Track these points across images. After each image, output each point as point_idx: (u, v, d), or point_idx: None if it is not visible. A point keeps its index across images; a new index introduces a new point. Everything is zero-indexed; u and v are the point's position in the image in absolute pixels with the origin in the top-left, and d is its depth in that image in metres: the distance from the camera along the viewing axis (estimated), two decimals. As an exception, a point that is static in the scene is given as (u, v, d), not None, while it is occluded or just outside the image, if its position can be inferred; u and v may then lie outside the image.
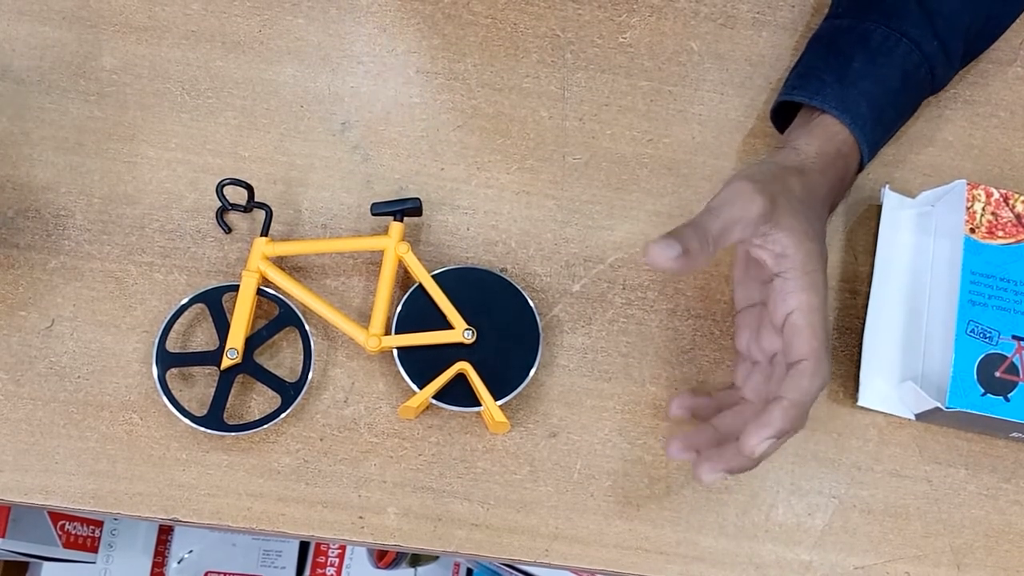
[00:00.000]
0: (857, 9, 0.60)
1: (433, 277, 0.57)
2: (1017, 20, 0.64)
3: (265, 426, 0.55)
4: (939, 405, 0.54)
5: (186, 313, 0.57)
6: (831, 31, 0.60)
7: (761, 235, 0.50)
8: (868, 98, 0.57)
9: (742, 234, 0.49)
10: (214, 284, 0.58)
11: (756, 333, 0.53)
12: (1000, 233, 0.57)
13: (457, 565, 1.08)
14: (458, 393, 0.56)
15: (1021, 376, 0.55)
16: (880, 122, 0.57)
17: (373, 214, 0.58)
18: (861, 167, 0.59)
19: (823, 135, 0.56)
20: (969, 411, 0.54)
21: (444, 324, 0.57)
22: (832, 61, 0.58)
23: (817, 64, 0.59)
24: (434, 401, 0.56)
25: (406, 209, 0.58)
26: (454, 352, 0.56)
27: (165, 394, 0.55)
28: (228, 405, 0.55)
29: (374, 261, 0.60)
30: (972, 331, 0.55)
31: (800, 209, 0.51)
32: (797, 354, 0.49)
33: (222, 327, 0.57)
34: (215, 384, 0.56)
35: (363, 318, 0.58)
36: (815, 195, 0.53)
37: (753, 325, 0.54)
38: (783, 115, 0.60)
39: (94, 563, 1.04)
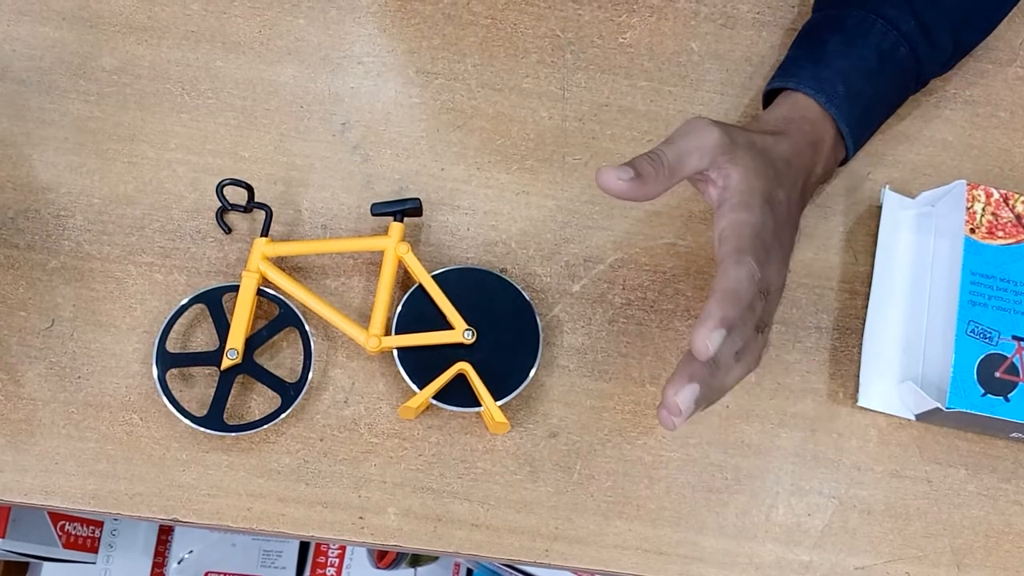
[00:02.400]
0: (835, 0, 0.60)
1: (433, 277, 0.57)
2: (1018, 21, 0.64)
3: (265, 426, 0.55)
4: (939, 405, 0.54)
5: (186, 313, 0.57)
6: (810, 24, 0.61)
7: (716, 168, 0.50)
8: (843, 78, 0.57)
9: (699, 163, 0.50)
10: (214, 284, 0.58)
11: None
12: (1000, 233, 0.57)
13: (457, 565, 1.08)
14: (458, 393, 0.56)
15: (1021, 376, 0.55)
16: (857, 100, 0.57)
17: (373, 214, 0.58)
18: (847, 150, 0.58)
19: (787, 106, 0.57)
20: (969, 411, 0.54)
21: (444, 324, 0.57)
22: (808, 48, 0.59)
23: (795, 53, 0.60)
24: (434, 401, 0.56)
25: (406, 209, 0.58)
26: (454, 352, 0.56)
27: (165, 394, 0.55)
28: (228, 405, 0.55)
29: (374, 261, 0.60)
30: (972, 331, 0.55)
31: (756, 154, 0.52)
32: (721, 255, 0.48)
33: (222, 327, 0.57)
34: (215, 384, 0.56)
35: (363, 318, 0.58)
36: (777, 151, 0.53)
37: None
38: None
39: (94, 563, 1.04)
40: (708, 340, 0.45)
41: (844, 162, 0.60)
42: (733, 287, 0.47)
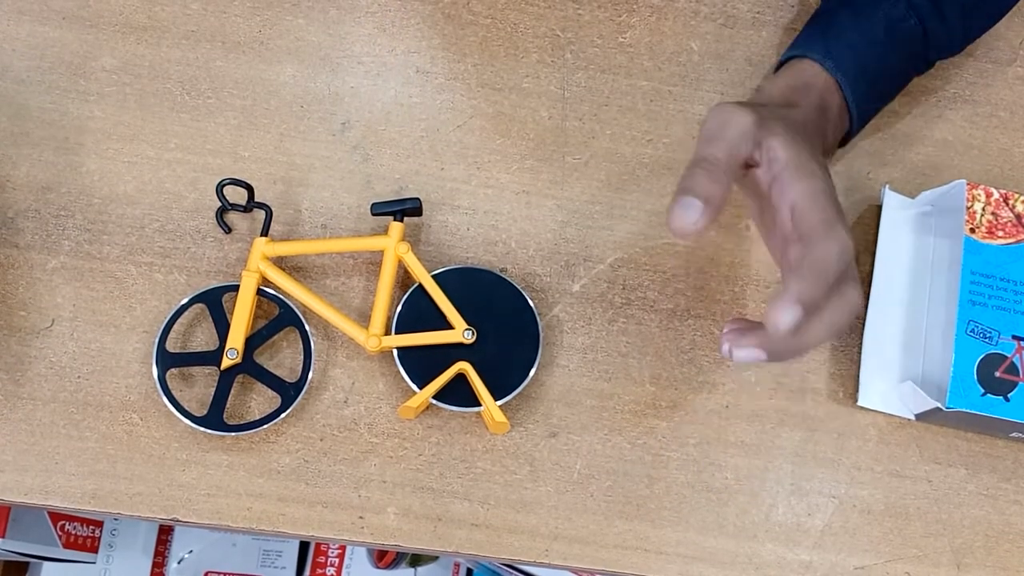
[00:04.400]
0: None
1: (433, 277, 0.57)
2: (1018, 21, 0.64)
3: (265, 426, 0.55)
4: (939, 405, 0.54)
5: (186, 313, 0.57)
6: (821, 7, 0.61)
7: (757, 146, 0.48)
8: (851, 47, 0.56)
9: (747, 148, 0.47)
10: (214, 284, 0.58)
11: (787, 256, 0.50)
12: (1000, 233, 0.57)
13: (457, 565, 1.08)
14: (458, 393, 0.56)
15: (1021, 376, 0.55)
16: (864, 71, 0.57)
17: (373, 214, 0.58)
18: (851, 122, 0.57)
19: (791, 72, 0.56)
20: (969, 411, 0.54)
21: (444, 324, 0.57)
22: (818, 23, 0.59)
23: (805, 30, 0.60)
24: (434, 401, 0.56)
25: (406, 209, 0.58)
26: (454, 352, 0.56)
27: (165, 394, 0.55)
28: (228, 405, 0.55)
29: (374, 261, 0.60)
30: (972, 331, 0.55)
31: (785, 120, 0.50)
32: (806, 229, 0.45)
33: (222, 327, 0.57)
34: (215, 384, 0.56)
35: (363, 318, 0.58)
36: (792, 119, 0.52)
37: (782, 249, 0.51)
38: None
39: (94, 563, 1.04)
40: (782, 317, 0.43)
41: (846, 140, 0.60)
42: (822, 261, 0.44)
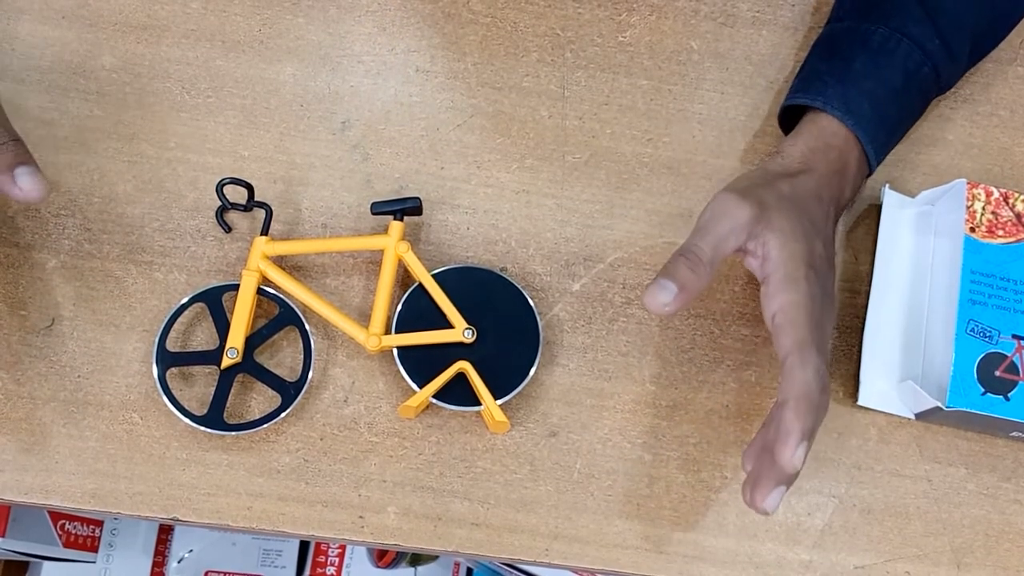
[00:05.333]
0: (858, 12, 0.60)
1: (433, 276, 0.57)
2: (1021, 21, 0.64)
3: (265, 426, 0.55)
4: (939, 404, 0.54)
5: (186, 312, 0.57)
6: (832, 34, 0.60)
7: (753, 237, 0.50)
8: (870, 98, 0.57)
9: (736, 242, 0.50)
10: (214, 283, 0.58)
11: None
12: (1000, 232, 0.57)
13: (457, 565, 1.08)
14: (458, 393, 0.56)
15: (1021, 375, 0.55)
16: (883, 122, 0.57)
17: (373, 213, 0.58)
18: (871, 169, 0.58)
19: (812, 132, 0.56)
20: (969, 410, 0.54)
21: (444, 323, 0.57)
22: (834, 63, 0.58)
23: (819, 67, 0.59)
24: (434, 401, 0.56)
25: (406, 208, 0.58)
26: (454, 351, 0.56)
27: (165, 394, 0.55)
28: (228, 405, 0.55)
29: (374, 260, 0.60)
30: (972, 330, 0.55)
31: (790, 208, 0.51)
32: (783, 351, 0.49)
33: (222, 326, 0.57)
34: (215, 384, 0.56)
35: (363, 318, 0.58)
36: (805, 191, 0.53)
37: None
38: (790, 120, 0.60)
39: (94, 563, 1.04)
40: (795, 457, 0.46)
41: (866, 177, 0.60)
42: (804, 392, 0.47)
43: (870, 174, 0.59)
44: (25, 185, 0.50)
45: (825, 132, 0.56)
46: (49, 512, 0.96)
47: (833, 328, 0.53)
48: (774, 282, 0.50)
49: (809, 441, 0.47)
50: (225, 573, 1.05)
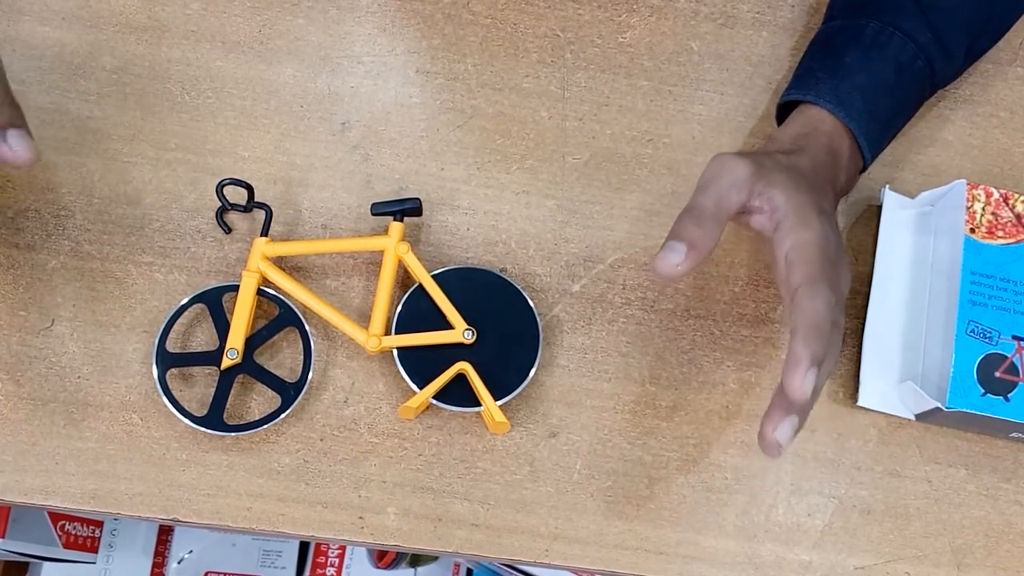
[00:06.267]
0: (851, 10, 0.60)
1: (433, 277, 0.57)
2: (1017, 21, 0.64)
3: (265, 426, 0.55)
4: (939, 405, 0.54)
5: (186, 313, 0.57)
6: (826, 32, 0.61)
7: (757, 195, 0.50)
8: (862, 91, 0.57)
9: (738, 197, 0.50)
10: (214, 284, 0.58)
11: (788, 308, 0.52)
12: (1000, 233, 0.57)
13: (457, 565, 1.08)
14: (458, 393, 0.56)
15: (1021, 376, 0.55)
16: (876, 115, 0.57)
17: (373, 214, 0.58)
18: (865, 162, 0.58)
19: (800, 120, 0.57)
20: (969, 411, 0.54)
21: (444, 324, 0.57)
22: (826, 60, 0.59)
23: (812, 65, 0.59)
24: (434, 401, 0.56)
25: (406, 209, 0.58)
26: (454, 352, 0.56)
27: (165, 394, 0.55)
28: (228, 405, 0.55)
29: (374, 261, 0.60)
30: (972, 331, 0.55)
31: (789, 171, 0.51)
32: (793, 286, 0.48)
33: (222, 327, 0.57)
34: (215, 384, 0.56)
35: (363, 318, 0.58)
36: (802, 165, 0.53)
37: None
38: (786, 119, 0.60)
39: (94, 563, 1.04)
40: (803, 385, 0.45)
41: (861, 171, 0.60)
42: (814, 322, 0.46)
43: (865, 167, 0.59)
44: (15, 145, 0.50)
45: (812, 119, 0.56)
46: (49, 513, 0.96)
47: (848, 289, 0.51)
48: (785, 226, 0.49)
49: (819, 370, 0.46)
50: (225, 574, 1.05)
